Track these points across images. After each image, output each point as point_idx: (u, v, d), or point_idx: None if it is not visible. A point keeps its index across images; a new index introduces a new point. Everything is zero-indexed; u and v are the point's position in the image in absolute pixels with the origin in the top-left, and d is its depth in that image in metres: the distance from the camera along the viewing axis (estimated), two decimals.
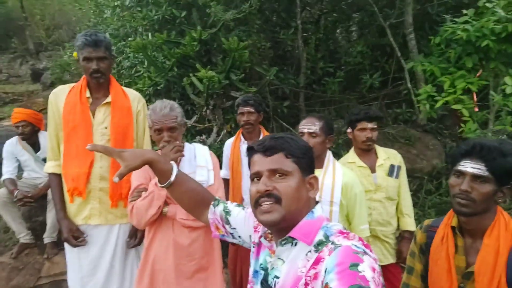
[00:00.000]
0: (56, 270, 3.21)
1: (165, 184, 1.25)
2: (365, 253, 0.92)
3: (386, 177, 2.34)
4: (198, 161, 1.97)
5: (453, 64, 3.30)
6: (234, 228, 1.28)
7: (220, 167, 2.29)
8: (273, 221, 1.01)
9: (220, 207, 1.31)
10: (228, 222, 1.28)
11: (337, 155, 2.74)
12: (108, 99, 2.11)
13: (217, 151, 3.13)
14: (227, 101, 3.99)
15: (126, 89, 2.24)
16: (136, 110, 2.20)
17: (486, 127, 3.25)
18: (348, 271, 0.85)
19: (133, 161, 1.17)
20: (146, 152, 1.22)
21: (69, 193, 2.07)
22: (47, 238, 3.29)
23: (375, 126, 2.31)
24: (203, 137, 3.97)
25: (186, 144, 2.00)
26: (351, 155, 2.42)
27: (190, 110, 4.31)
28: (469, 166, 1.28)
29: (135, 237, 2.16)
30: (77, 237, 2.07)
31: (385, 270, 2.29)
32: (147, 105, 2.25)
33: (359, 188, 2.00)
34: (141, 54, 4.09)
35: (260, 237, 1.16)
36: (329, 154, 2.06)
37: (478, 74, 3.21)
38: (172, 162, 1.28)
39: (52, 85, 7.62)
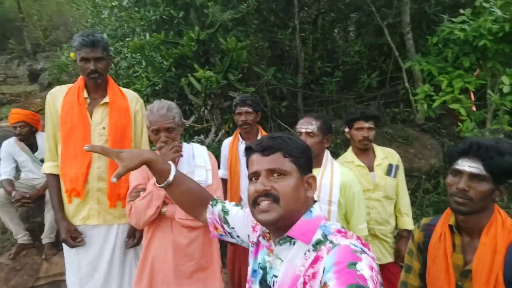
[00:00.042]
0: (54, 270, 3.21)
1: (163, 184, 1.25)
2: (363, 252, 0.92)
3: (384, 176, 2.35)
4: (196, 161, 1.97)
5: (451, 63, 3.31)
6: (233, 228, 1.28)
7: (218, 167, 2.29)
8: (271, 220, 1.02)
9: (218, 207, 1.31)
10: (226, 222, 1.28)
11: (335, 155, 2.75)
12: (106, 99, 2.11)
13: (215, 151, 3.13)
14: (225, 101, 3.99)
15: (123, 90, 2.23)
16: (134, 110, 2.20)
17: (484, 126, 3.26)
18: (346, 270, 0.85)
19: (131, 162, 1.17)
20: (144, 152, 1.22)
21: (67, 193, 2.07)
22: (45, 238, 3.28)
23: (372, 125, 2.32)
24: (201, 137, 3.97)
25: (184, 144, 2.00)
26: (349, 155, 2.43)
27: (188, 110, 4.31)
28: (466, 165, 1.28)
29: (134, 237, 2.16)
30: (75, 238, 2.07)
31: (384, 269, 2.30)
32: (145, 105, 2.25)
33: (358, 187, 2.01)
34: (139, 54, 4.08)
35: (259, 236, 1.17)
36: (327, 154, 2.06)
37: (475, 74, 3.23)
38: (170, 162, 1.28)
39: (50, 86, 7.60)
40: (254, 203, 1.04)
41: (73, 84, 2.15)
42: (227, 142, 2.86)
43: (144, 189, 1.84)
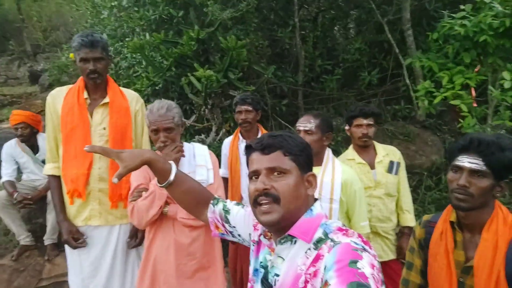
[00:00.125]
0: (57, 271, 3.22)
1: (164, 184, 1.25)
2: (364, 250, 0.92)
3: (386, 174, 2.34)
4: (197, 161, 1.97)
5: (451, 59, 3.30)
6: (234, 227, 1.28)
7: (219, 166, 2.29)
8: (273, 221, 1.02)
9: (219, 206, 1.31)
10: (227, 221, 1.28)
11: (337, 153, 2.74)
12: (106, 99, 2.11)
13: (216, 150, 3.13)
14: (226, 100, 3.99)
15: (123, 90, 2.23)
16: (134, 110, 2.20)
17: (485, 122, 3.25)
18: (347, 268, 0.85)
19: (132, 162, 1.17)
20: (144, 152, 1.21)
21: (68, 194, 2.07)
22: (48, 239, 3.30)
23: (371, 122, 2.31)
24: (202, 136, 3.97)
25: (185, 144, 2.00)
26: (350, 152, 2.42)
27: (189, 110, 4.31)
28: (466, 161, 1.28)
29: (136, 237, 2.16)
30: (77, 239, 2.07)
31: (386, 266, 2.29)
32: (146, 105, 2.25)
33: (359, 185, 2.00)
34: (138, 54, 4.08)
35: (260, 235, 1.17)
36: (328, 152, 2.06)
37: (476, 69, 3.21)
38: (171, 162, 1.28)
39: (50, 87, 7.62)
40: (255, 202, 1.04)
41: (73, 85, 2.15)
42: (227, 141, 2.86)
43: (146, 189, 1.84)
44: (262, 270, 1.12)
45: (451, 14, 3.21)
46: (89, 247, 2.10)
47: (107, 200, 2.09)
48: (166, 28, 4.15)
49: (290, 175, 1.04)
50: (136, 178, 1.90)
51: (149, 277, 1.90)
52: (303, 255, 1.00)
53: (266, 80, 4.10)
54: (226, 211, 1.29)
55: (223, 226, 1.30)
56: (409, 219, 2.37)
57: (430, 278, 1.44)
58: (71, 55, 2.14)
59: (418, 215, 3.05)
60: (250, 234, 1.24)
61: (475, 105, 3.21)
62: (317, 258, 0.96)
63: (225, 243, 2.62)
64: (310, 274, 0.95)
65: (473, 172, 1.27)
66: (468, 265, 1.32)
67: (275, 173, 1.04)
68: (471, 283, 1.30)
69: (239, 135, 2.78)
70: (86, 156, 2.03)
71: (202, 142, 3.78)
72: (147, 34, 4.10)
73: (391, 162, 2.36)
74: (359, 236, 0.99)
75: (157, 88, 4.09)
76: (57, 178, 2.12)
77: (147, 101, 3.86)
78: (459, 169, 1.30)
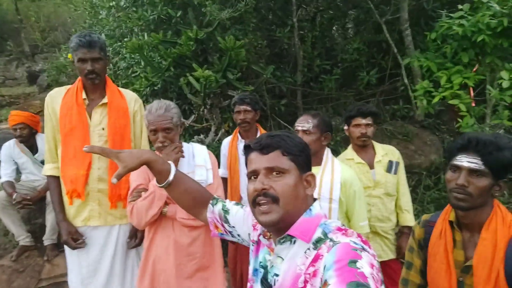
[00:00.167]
0: (56, 272, 3.22)
1: (163, 184, 1.25)
2: (364, 249, 0.92)
3: (385, 173, 2.34)
4: (196, 161, 1.97)
5: (450, 59, 3.31)
6: (233, 227, 1.28)
7: (219, 166, 2.29)
8: (272, 222, 1.01)
9: (218, 206, 1.31)
10: (226, 221, 1.28)
11: (336, 152, 2.75)
12: (105, 100, 2.11)
13: (216, 150, 3.13)
14: (225, 100, 3.98)
15: (122, 90, 2.23)
16: (133, 110, 2.20)
17: (483, 122, 3.26)
18: (346, 267, 0.85)
19: (131, 162, 1.16)
20: (143, 153, 1.21)
21: (68, 195, 2.07)
22: (47, 240, 3.29)
23: (370, 122, 2.31)
24: (201, 136, 3.97)
25: (184, 144, 2.00)
26: (349, 152, 2.43)
27: (188, 110, 4.31)
28: (465, 161, 1.28)
29: (135, 237, 2.16)
30: (76, 239, 2.07)
31: (385, 266, 2.30)
32: (144, 105, 2.25)
33: (358, 184, 2.00)
34: (137, 54, 4.07)
35: (259, 235, 1.17)
36: (327, 152, 2.06)
37: (474, 69, 3.22)
38: (170, 162, 1.28)
39: (49, 87, 7.60)
40: (254, 202, 1.04)
41: (72, 85, 2.15)
42: (226, 141, 2.86)
43: (145, 189, 1.84)
44: (262, 270, 1.12)
45: (449, 14, 3.22)
46: (89, 247, 2.10)
47: (107, 201, 2.09)
48: (164, 28, 4.15)
49: (289, 175, 1.04)
50: (136, 178, 1.90)
51: (149, 277, 1.90)
52: (303, 255, 1.00)
53: (265, 80, 4.10)
54: (225, 211, 1.29)
55: (223, 226, 1.30)
56: (409, 219, 2.38)
57: (429, 277, 1.44)
58: (70, 55, 2.13)
59: (417, 215, 3.06)
60: (249, 234, 1.24)
61: (473, 104, 3.22)
62: (317, 258, 0.96)
63: (224, 243, 2.62)
64: (309, 274, 0.95)
65: (471, 172, 1.27)
66: (468, 264, 1.32)
67: (274, 173, 1.04)
68: (470, 282, 1.31)
69: (238, 135, 2.78)
70: (85, 157, 2.02)
71: (201, 142, 3.78)
72: (145, 34, 4.10)
73: (390, 162, 2.36)
74: (359, 235, 0.99)
75: (155, 88, 4.09)
76: (56, 178, 2.11)
77: (146, 102, 3.86)
78: (458, 168, 1.30)
